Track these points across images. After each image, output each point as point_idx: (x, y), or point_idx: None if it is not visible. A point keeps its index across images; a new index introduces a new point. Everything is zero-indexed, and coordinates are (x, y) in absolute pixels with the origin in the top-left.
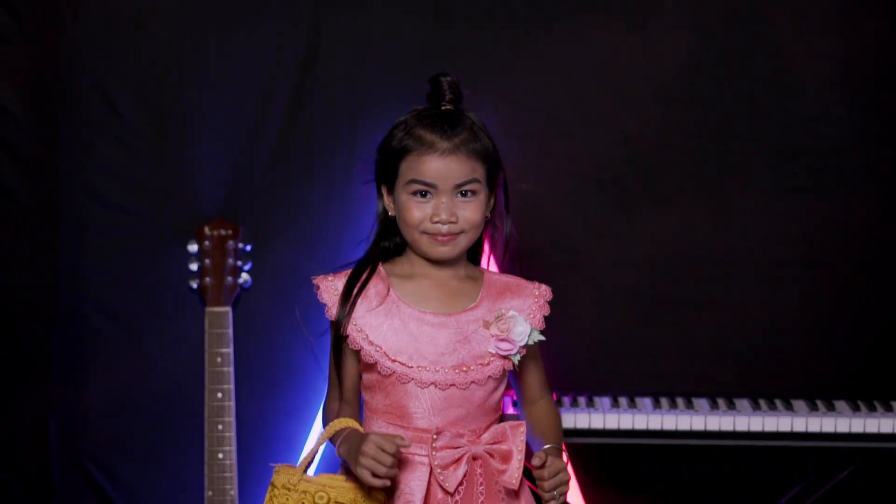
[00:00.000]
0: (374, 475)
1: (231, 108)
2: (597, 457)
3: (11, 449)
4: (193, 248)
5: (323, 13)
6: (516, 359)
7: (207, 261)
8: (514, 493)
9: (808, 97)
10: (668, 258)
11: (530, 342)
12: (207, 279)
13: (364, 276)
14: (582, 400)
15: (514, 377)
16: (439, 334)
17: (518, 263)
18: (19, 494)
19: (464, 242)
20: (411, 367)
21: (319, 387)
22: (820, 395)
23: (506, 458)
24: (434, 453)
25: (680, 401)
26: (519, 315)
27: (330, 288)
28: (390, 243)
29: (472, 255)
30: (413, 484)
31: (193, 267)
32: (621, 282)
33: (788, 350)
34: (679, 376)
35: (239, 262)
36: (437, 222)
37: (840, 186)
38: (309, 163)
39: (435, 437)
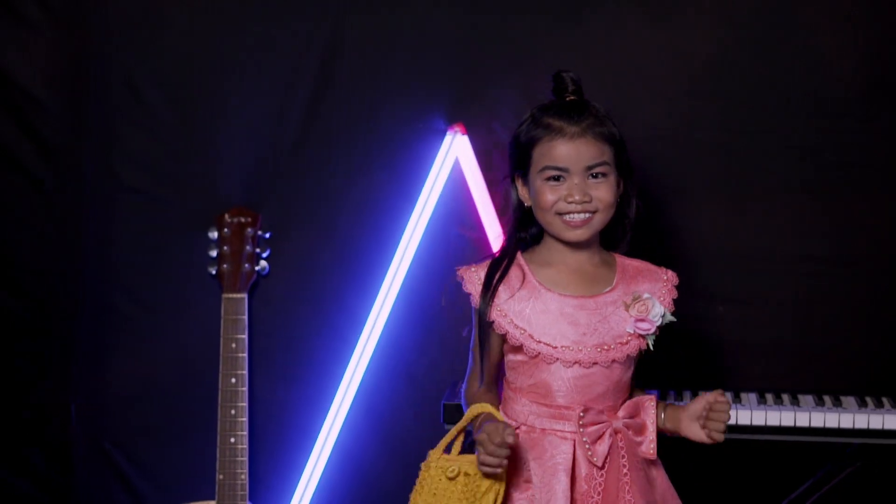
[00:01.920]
0: (483, 463)
1: (254, 98)
2: None
3: (36, 430)
4: (214, 234)
5: (347, 5)
6: (651, 339)
7: (226, 248)
8: (650, 463)
9: (838, 93)
10: (694, 252)
11: (664, 323)
12: (225, 266)
13: (504, 265)
14: None
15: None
16: (580, 316)
17: None
18: (43, 474)
19: (597, 223)
20: (556, 347)
21: (333, 374)
22: (841, 392)
23: (640, 430)
24: (581, 429)
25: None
26: (653, 297)
27: (473, 277)
28: (527, 234)
29: (607, 240)
30: (558, 458)
31: (213, 253)
32: None
33: (811, 346)
34: (698, 371)
35: (257, 250)
36: (571, 202)
37: (869, 183)
38: (328, 153)
39: (582, 414)
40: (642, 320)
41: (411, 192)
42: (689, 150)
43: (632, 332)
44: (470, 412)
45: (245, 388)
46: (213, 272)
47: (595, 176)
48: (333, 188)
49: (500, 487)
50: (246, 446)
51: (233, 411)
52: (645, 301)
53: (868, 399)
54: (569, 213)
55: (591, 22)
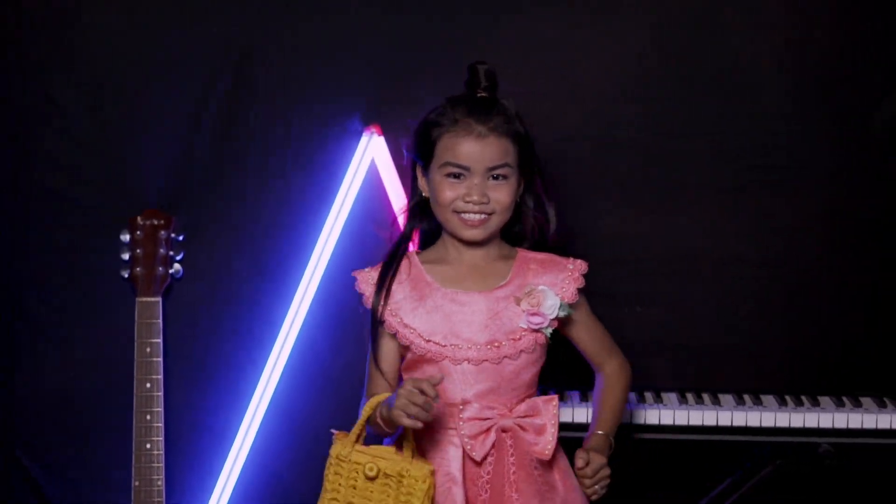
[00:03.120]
0: (407, 415)
1: (169, 99)
2: None
3: None
4: (126, 237)
5: (263, 6)
6: (548, 332)
7: (139, 250)
8: (548, 465)
9: (760, 95)
10: (614, 254)
11: (560, 315)
12: (138, 269)
13: (396, 263)
14: None
15: (578, 347)
16: (471, 312)
17: None
18: None
19: (494, 224)
20: (445, 345)
21: (250, 378)
22: (761, 392)
23: (539, 431)
24: (461, 423)
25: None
26: (549, 289)
27: (367, 279)
28: (423, 226)
29: (509, 235)
30: (450, 455)
31: (125, 256)
32: None
33: (733, 346)
34: None
35: (171, 253)
36: (468, 202)
37: (792, 185)
38: (244, 155)
39: (462, 407)
40: (535, 314)
41: (327, 194)
42: (610, 152)
43: (525, 326)
44: (368, 405)
45: (160, 393)
46: (126, 275)
47: (496, 178)
48: (248, 190)
49: (432, 492)
50: (162, 452)
51: (148, 416)
52: (537, 294)
53: (788, 398)
54: (465, 212)
55: (513, 22)
